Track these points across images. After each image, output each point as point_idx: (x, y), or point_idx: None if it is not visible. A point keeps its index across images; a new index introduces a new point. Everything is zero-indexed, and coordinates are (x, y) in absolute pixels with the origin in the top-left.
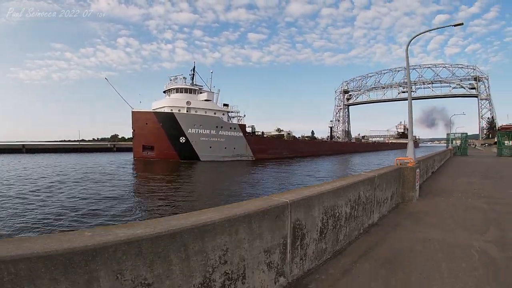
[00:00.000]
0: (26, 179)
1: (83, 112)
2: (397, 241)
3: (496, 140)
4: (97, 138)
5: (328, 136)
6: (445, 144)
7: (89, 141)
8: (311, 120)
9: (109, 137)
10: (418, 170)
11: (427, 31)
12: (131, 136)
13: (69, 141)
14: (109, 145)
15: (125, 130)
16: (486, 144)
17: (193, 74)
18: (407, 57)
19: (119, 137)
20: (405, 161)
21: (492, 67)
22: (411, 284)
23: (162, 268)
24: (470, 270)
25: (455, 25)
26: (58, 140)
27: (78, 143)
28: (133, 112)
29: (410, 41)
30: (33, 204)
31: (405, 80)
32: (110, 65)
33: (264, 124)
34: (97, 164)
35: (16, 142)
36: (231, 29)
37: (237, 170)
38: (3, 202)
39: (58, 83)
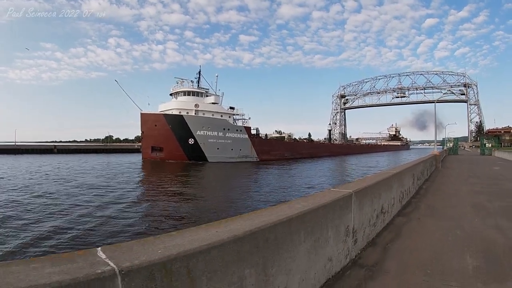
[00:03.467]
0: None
1: (73, 112)
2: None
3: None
4: (90, 139)
5: (325, 138)
6: (437, 146)
7: (80, 141)
8: (306, 121)
9: (102, 138)
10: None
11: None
12: (126, 137)
13: (64, 142)
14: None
15: (119, 132)
16: (474, 146)
17: (199, 78)
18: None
19: (114, 138)
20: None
21: (481, 71)
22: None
23: None
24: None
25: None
26: (49, 140)
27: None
28: (142, 114)
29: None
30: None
31: (398, 86)
32: (101, 65)
33: (258, 125)
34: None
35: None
36: (222, 30)
37: (247, 171)
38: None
39: (48, 83)
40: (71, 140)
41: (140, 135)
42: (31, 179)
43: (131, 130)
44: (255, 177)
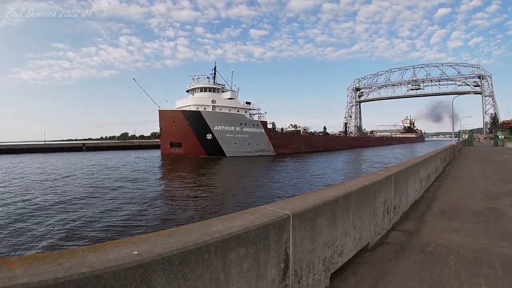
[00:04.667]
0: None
1: (86, 111)
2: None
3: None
4: (106, 137)
5: (340, 132)
6: (450, 138)
7: (96, 139)
8: (321, 114)
9: (118, 135)
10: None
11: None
12: (141, 134)
13: (80, 139)
14: None
15: (134, 128)
16: (488, 138)
17: (215, 73)
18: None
19: (130, 135)
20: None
21: (495, 61)
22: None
23: None
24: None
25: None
26: (65, 139)
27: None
28: (160, 111)
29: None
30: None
31: (413, 78)
32: (113, 63)
33: (272, 119)
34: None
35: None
36: (232, 25)
37: (269, 164)
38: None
39: (61, 82)
40: (86, 138)
41: (156, 131)
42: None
43: (146, 126)
44: (280, 170)
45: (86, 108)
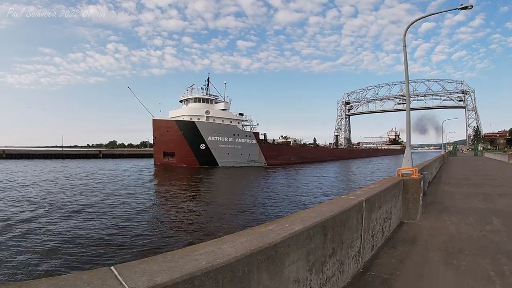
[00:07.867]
0: None
1: (73, 117)
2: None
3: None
4: (92, 144)
5: (330, 143)
6: (435, 150)
7: (82, 146)
8: (310, 126)
9: (105, 143)
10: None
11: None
12: (130, 143)
13: (65, 146)
14: None
15: (121, 137)
16: (470, 149)
17: (208, 84)
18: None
19: (118, 143)
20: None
21: (478, 74)
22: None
23: None
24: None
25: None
26: (50, 145)
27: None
28: (154, 120)
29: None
30: None
31: (400, 93)
32: (99, 70)
33: (260, 130)
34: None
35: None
36: (220, 36)
37: (261, 175)
38: None
39: (47, 87)
40: (72, 145)
41: (146, 140)
42: None
43: (133, 135)
44: (273, 181)
45: (71, 114)
